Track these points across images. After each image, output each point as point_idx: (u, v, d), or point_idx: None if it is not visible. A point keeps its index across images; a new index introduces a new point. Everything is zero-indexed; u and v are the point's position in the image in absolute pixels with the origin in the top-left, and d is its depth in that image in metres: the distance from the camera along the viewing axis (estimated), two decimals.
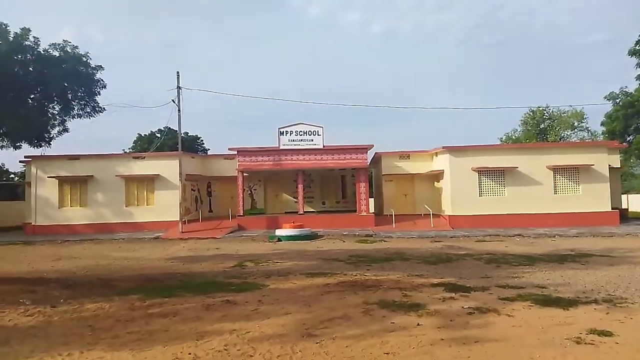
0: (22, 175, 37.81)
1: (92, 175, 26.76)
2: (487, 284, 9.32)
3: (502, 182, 24.81)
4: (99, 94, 26.38)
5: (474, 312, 7.09)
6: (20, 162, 30.41)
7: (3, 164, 45.07)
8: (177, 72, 25.04)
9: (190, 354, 5.44)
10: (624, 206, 30.15)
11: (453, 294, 8.38)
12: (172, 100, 24.95)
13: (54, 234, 25.36)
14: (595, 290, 8.69)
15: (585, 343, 5.58)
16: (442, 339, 5.80)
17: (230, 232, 24.04)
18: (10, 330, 6.57)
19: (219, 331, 6.34)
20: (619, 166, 28.36)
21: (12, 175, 47.75)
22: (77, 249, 19.00)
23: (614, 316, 6.79)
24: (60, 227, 26.09)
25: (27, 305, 8.00)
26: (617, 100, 31.91)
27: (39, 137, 27.76)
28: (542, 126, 48.49)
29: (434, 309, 7.32)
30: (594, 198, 24.21)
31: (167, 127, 30.21)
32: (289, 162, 26.34)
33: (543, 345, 5.52)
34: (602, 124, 33.81)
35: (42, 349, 5.75)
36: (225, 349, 5.58)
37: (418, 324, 6.50)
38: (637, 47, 25.86)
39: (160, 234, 23.98)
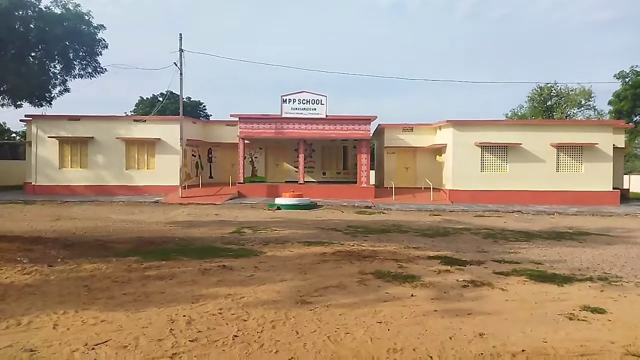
0: (23, 134, 37.68)
1: (92, 137, 26.63)
2: (483, 258, 9.35)
3: (505, 158, 24.67)
4: (101, 54, 25.92)
5: (468, 285, 7.11)
6: (21, 121, 30.19)
7: (4, 123, 44.90)
8: (180, 34, 24.57)
9: (184, 316, 5.47)
10: (625, 187, 30.07)
11: (448, 267, 8.41)
12: (174, 63, 24.57)
13: (54, 194, 25.44)
14: (591, 268, 8.71)
15: (578, 319, 5.60)
16: (435, 310, 5.83)
17: (230, 199, 24.09)
18: (7, 288, 6.61)
19: (214, 295, 6.37)
20: (624, 146, 28.14)
21: (14, 134, 47.64)
22: (76, 210, 19.08)
23: (608, 294, 6.81)
24: (60, 188, 26.15)
25: (24, 264, 8.04)
26: (627, 80, 31.39)
27: (40, 96, 27.50)
28: (548, 103, 47.88)
29: (428, 281, 7.34)
30: (595, 177, 24.12)
31: (169, 91, 29.82)
32: (291, 130, 26.13)
33: (535, 320, 5.54)
34: (610, 103, 33.38)
35: (38, 306, 5.79)
36: (219, 313, 5.62)
37: (412, 295, 6.53)
38: None
39: (160, 198, 24.03)
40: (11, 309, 5.70)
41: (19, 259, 8.40)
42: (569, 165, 24.49)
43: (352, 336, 4.92)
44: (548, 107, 47.82)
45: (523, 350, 4.56)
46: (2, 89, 27.08)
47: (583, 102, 47.05)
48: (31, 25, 24.58)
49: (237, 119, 26.44)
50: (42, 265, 7.94)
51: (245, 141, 26.92)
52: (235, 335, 4.87)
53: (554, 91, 47.59)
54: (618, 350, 4.63)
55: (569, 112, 47.43)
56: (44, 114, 27.71)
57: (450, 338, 4.89)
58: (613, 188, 24.48)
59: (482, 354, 4.48)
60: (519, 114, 50.39)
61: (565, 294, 6.77)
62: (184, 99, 26.65)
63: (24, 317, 5.36)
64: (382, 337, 4.91)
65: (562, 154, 24.49)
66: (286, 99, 25.92)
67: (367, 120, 26.24)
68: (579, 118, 46.08)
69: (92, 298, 6.20)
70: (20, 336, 4.79)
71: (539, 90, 47.84)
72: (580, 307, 6.06)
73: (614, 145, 24.71)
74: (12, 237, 10.82)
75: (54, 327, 5.07)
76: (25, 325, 5.12)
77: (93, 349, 4.49)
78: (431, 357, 4.39)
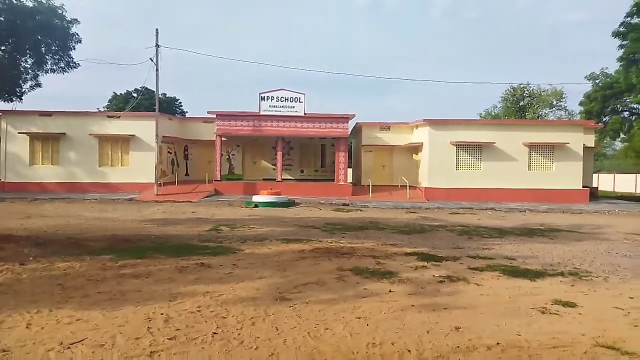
0: None
1: (64, 133, 26.00)
2: (458, 254, 9.52)
3: (479, 157, 25.12)
4: (74, 49, 25.42)
5: (445, 281, 7.24)
6: None
7: None
8: (156, 30, 24.21)
9: (162, 314, 5.41)
10: (594, 185, 31.01)
11: (425, 263, 8.53)
12: (150, 59, 24.20)
13: (24, 191, 24.78)
14: (562, 263, 8.96)
15: (550, 313, 5.76)
16: (413, 305, 5.92)
17: (207, 197, 23.87)
18: None
19: (192, 293, 6.32)
20: (593, 146, 28.97)
21: None
22: (47, 208, 18.60)
23: (579, 288, 7.03)
24: (31, 185, 25.49)
25: None
26: (597, 81, 32.30)
27: (10, 91, 26.78)
28: (521, 103, 48.98)
29: (406, 276, 7.44)
30: (566, 176, 24.79)
31: (144, 86, 29.39)
32: (269, 128, 26.03)
33: (509, 314, 5.68)
34: (581, 103, 34.24)
35: (10, 306, 5.64)
36: (198, 310, 5.58)
37: (390, 291, 6.61)
38: (620, 29, 25.99)
39: (135, 195, 23.64)
40: None
41: None
42: (540, 164, 25.11)
43: (331, 332, 4.95)
44: (521, 107, 48.91)
45: (498, 343, 4.67)
46: None
47: (555, 102, 48.34)
48: (1, 18, 23.80)
49: (215, 116, 26.20)
50: (13, 264, 7.73)
51: (223, 138, 26.70)
52: (215, 333, 4.85)
53: (526, 92, 48.71)
54: (588, 342, 4.78)
55: (541, 112, 48.62)
56: (14, 109, 26.89)
57: (428, 332, 4.98)
58: (583, 186, 25.21)
59: (458, 347, 4.57)
60: (493, 113, 51.40)
61: (538, 289, 6.95)
62: (160, 96, 26.24)
63: None
64: (361, 332, 4.96)
65: (534, 152, 25.08)
66: (264, 97, 25.79)
67: (345, 118, 26.34)
68: (550, 118, 47.27)
69: (66, 297, 6.07)
70: None
71: (512, 90, 48.89)
72: (552, 301, 6.24)
73: (584, 144, 25.44)
74: None
75: (27, 327, 4.95)
76: None
77: (69, 348, 4.40)
78: (409, 351, 4.46)
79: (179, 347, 4.45)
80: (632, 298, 6.51)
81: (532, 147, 24.97)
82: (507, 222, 16.50)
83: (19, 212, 16.48)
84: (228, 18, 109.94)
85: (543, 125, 27.23)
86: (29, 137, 25.95)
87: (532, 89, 48.39)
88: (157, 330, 4.90)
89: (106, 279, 6.99)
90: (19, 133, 25.76)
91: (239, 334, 4.82)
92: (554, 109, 48.80)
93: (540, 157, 25.10)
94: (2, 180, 25.81)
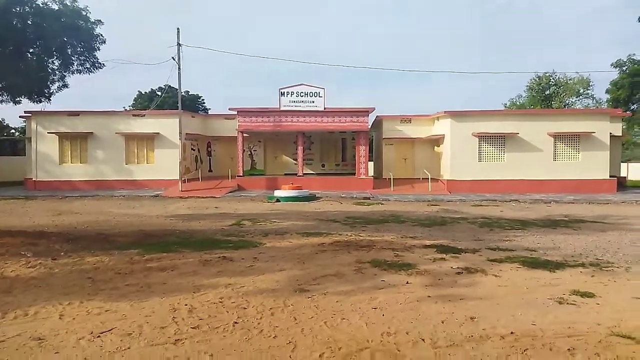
0: (23, 130, 37.76)
1: (92, 132, 26.75)
2: (478, 246, 9.53)
3: (502, 148, 24.81)
4: (99, 50, 25.97)
5: (462, 272, 7.30)
6: (20, 117, 30.28)
7: (3, 119, 44.95)
8: (177, 29, 24.64)
9: (186, 305, 5.66)
10: (623, 174, 30.23)
11: (444, 255, 8.59)
12: (172, 58, 24.64)
13: (54, 189, 25.61)
14: (583, 254, 8.89)
15: (568, 303, 5.78)
16: (429, 296, 6.01)
17: (230, 192, 24.26)
18: (13, 281, 6.79)
19: (215, 285, 6.56)
20: (621, 134, 28.25)
21: (13, 130, 47.70)
22: (77, 205, 19.26)
23: (599, 279, 6.99)
24: (61, 183, 26.32)
25: (28, 258, 8.21)
26: (624, 68, 31.44)
27: (39, 92, 27.56)
28: (547, 92, 47.94)
29: (423, 268, 7.52)
30: (592, 166, 24.26)
31: (167, 85, 29.89)
32: (289, 123, 26.24)
33: (526, 304, 5.72)
34: (607, 91, 33.44)
35: (44, 298, 5.97)
36: (220, 301, 5.80)
37: (407, 282, 6.71)
38: None
39: (160, 192, 24.21)
40: (18, 300, 5.87)
41: (23, 253, 8.58)
42: (566, 154, 24.64)
43: (348, 321, 5.10)
44: (546, 96, 47.88)
45: (512, 333, 4.74)
46: (1, 85, 27.19)
47: (581, 90, 47.11)
48: (29, 22, 24.60)
49: (236, 113, 26.53)
50: (46, 259, 8.11)
51: (244, 134, 27.04)
52: (236, 322, 5.05)
53: (552, 80, 47.64)
54: (603, 331, 4.80)
55: (567, 101, 47.51)
56: (43, 109, 27.78)
57: (443, 322, 5.08)
58: (610, 176, 24.65)
59: (472, 336, 4.66)
60: (518, 103, 50.46)
61: (557, 280, 6.95)
62: (182, 93, 26.73)
63: (31, 308, 5.54)
64: (377, 322, 5.09)
65: (559, 142, 24.62)
66: (284, 92, 25.99)
67: (365, 112, 26.33)
68: (577, 107, 46.16)
69: (96, 289, 6.38)
70: (28, 326, 4.97)
71: (537, 79, 47.88)
72: (570, 291, 6.24)
73: (610, 133, 24.83)
74: (15, 232, 10.99)
75: (60, 317, 5.25)
76: (33, 316, 5.30)
77: (99, 336, 4.67)
78: (423, 340, 4.57)
79: (202, 336, 4.67)
80: None
81: (557, 136, 24.51)
82: (531, 213, 16.32)
83: (50, 210, 17.12)
84: (247, 13, 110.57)
85: (568, 115, 26.66)
86: (58, 137, 26.80)
87: (558, 78, 47.34)
88: (182, 319, 5.13)
89: (134, 272, 7.29)
90: (48, 133, 26.62)
91: (258, 324, 5.02)
92: (580, 97, 47.62)
93: (565, 147, 24.63)
94: (33, 179, 26.75)
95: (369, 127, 27.36)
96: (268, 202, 20.49)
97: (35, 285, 6.56)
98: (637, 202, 20.54)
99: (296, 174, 27.21)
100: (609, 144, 24.41)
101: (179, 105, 25.29)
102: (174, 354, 4.25)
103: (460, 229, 12.35)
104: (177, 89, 25.93)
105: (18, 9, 23.88)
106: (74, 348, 4.39)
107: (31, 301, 5.83)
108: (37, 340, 4.58)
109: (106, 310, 5.47)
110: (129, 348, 4.38)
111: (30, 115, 27.07)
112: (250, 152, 30.14)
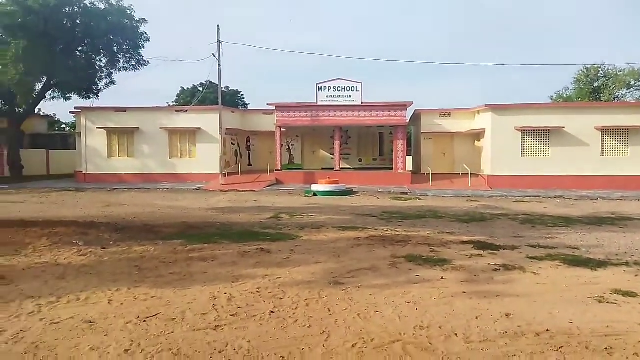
0: (73, 125, 39.61)
1: (138, 127, 27.79)
2: (517, 243, 9.37)
3: (547, 142, 24.08)
4: (143, 47, 27.02)
5: (500, 269, 7.22)
6: (70, 112, 31.84)
7: (55, 114, 47.29)
8: (218, 26, 25.20)
9: (225, 293, 5.89)
10: None
11: (481, 252, 8.50)
12: (213, 55, 25.23)
13: (103, 182, 26.81)
14: (628, 253, 8.59)
15: (608, 302, 5.65)
16: (464, 292, 6.00)
17: (268, 186, 24.67)
18: (66, 268, 7.24)
19: (253, 275, 6.78)
20: None
21: (64, 125, 50.11)
22: (124, 197, 20.10)
23: None
24: (109, 176, 27.51)
25: (80, 246, 8.71)
26: None
27: (88, 89, 28.99)
28: (595, 85, 45.94)
29: (459, 264, 7.50)
30: None
31: (208, 81, 30.59)
32: (327, 118, 26.37)
33: (564, 302, 5.63)
34: None
35: (94, 284, 6.35)
36: (257, 291, 6.01)
37: (442, 278, 6.71)
38: None
39: (202, 185, 24.91)
40: (70, 286, 6.28)
41: (75, 242, 9.09)
42: (614, 149, 23.66)
43: (381, 314, 5.19)
44: (595, 88, 45.88)
45: (547, 330, 4.70)
46: (52, 82, 28.57)
47: (632, 82, 44.85)
48: (77, 21, 25.71)
49: (274, 108, 26.91)
50: (96, 248, 8.58)
51: (282, 129, 27.38)
52: (272, 311, 5.24)
53: (601, 72, 45.59)
54: None
55: (617, 94, 45.37)
56: (91, 105, 29.08)
57: (477, 318, 5.08)
58: None
59: (506, 332, 4.65)
60: (565, 96, 48.61)
61: (598, 278, 6.77)
62: (222, 89, 27.32)
63: (82, 294, 5.91)
64: (410, 315, 5.15)
65: (607, 137, 23.66)
66: (321, 87, 26.12)
67: (403, 106, 26.12)
68: (628, 99, 44.04)
69: (142, 277, 6.73)
70: (80, 310, 5.33)
71: (585, 71, 45.94)
72: (612, 290, 6.08)
73: None
74: (67, 222, 11.63)
75: (109, 302, 5.59)
76: (84, 301, 5.66)
77: (144, 321, 4.95)
78: (456, 334, 4.60)
79: (240, 323, 4.88)
80: None
81: (605, 131, 23.55)
82: (576, 210, 15.81)
83: (100, 202, 17.97)
84: (283, 7, 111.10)
85: (616, 108, 25.55)
86: (106, 132, 27.99)
87: (608, 69, 45.25)
88: (221, 307, 5.37)
89: (177, 262, 7.62)
90: (97, 128, 27.84)
91: (294, 313, 5.18)
92: (632, 89, 45.35)
93: (614, 142, 23.64)
94: (83, 172, 28.08)
95: (407, 121, 27.13)
96: (305, 196, 20.72)
97: (86, 272, 6.98)
98: None
99: (333, 168, 27.34)
100: None
101: (219, 100, 25.90)
102: (214, 338, 4.47)
103: (500, 226, 12.14)
104: (217, 85, 26.54)
105: (68, 9, 24.97)
106: (121, 331, 4.68)
107: (82, 287, 6.22)
108: (88, 323, 4.90)
109: (152, 297, 5.77)
110: (172, 332, 4.63)
111: (79, 111, 28.39)
112: (288, 146, 30.48)
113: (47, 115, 41.69)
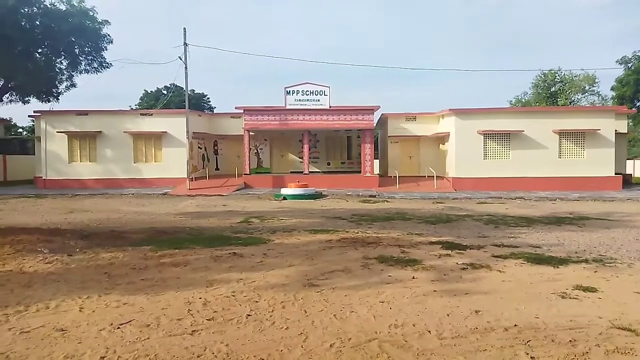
0: (31, 129, 38.20)
1: (100, 131, 27.06)
2: (483, 243, 9.69)
3: (507, 146, 24.91)
4: (106, 50, 26.27)
5: (467, 268, 7.47)
6: (29, 116, 30.68)
7: (11, 118, 45.39)
8: (184, 28, 24.97)
9: (200, 298, 5.87)
10: (628, 172, 30.25)
11: (449, 252, 8.76)
12: (179, 57, 24.89)
13: (64, 188, 25.94)
14: (587, 250, 9.04)
15: (570, 297, 5.94)
16: (435, 291, 6.19)
17: (237, 190, 24.50)
18: (32, 276, 7.02)
19: (227, 280, 6.77)
20: (626, 132, 28.26)
21: (20, 130, 48.21)
22: (88, 203, 19.54)
23: (601, 274, 7.14)
24: (71, 182, 26.66)
25: (45, 254, 8.43)
26: (629, 65, 31.41)
27: (47, 92, 27.93)
28: (552, 89, 47.89)
29: (429, 264, 7.70)
30: (598, 163, 24.33)
31: (173, 84, 30.26)
32: (295, 122, 26.44)
33: (529, 299, 5.89)
34: (612, 88, 33.42)
35: (64, 292, 6.20)
36: (232, 295, 6.01)
37: (413, 277, 6.89)
38: None
39: (168, 190, 24.49)
40: (38, 294, 6.10)
41: (39, 249, 8.80)
42: (571, 151, 24.71)
43: (356, 314, 5.30)
44: (552, 93, 47.83)
45: (515, 325, 4.92)
46: (10, 85, 27.45)
47: (587, 87, 47.02)
48: (37, 22, 24.82)
49: (242, 111, 26.76)
50: (62, 255, 8.34)
51: (250, 133, 27.26)
52: (249, 315, 5.26)
53: (557, 77, 47.58)
54: (605, 324, 4.97)
55: (573, 98, 47.43)
56: (51, 109, 28.13)
57: (448, 315, 5.26)
58: (615, 173, 24.69)
59: (476, 328, 4.84)
60: (523, 100, 50.43)
61: (560, 275, 7.11)
62: (189, 92, 26.98)
63: (52, 302, 5.76)
64: (385, 314, 5.28)
65: (564, 140, 24.69)
66: (290, 91, 26.18)
67: (371, 110, 26.49)
68: (583, 104, 46.08)
69: (112, 284, 6.60)
70: (51, 318, 5.20)
71: (542, 76, 47.85)
72: (573, 286, 6.40)
73: (616, 131, 24.87)
74: (31, 229, 11.24)
75: (80, 310, 5.47)
76: (54, 309, 5.52)
77: (118, 327, 4.88)
78: (429, 331, 4.76)
79: (217, 327, 4.88)
80: None
81: (563, 134, 24.59)
82: (536, 210, 16.44)
83: (62, 208, 17.41)
84: (250, 11, 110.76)
85: (573, 112, 26.66)
86: (67, 136, 27.13)
87: (564, 74, 47.28)
88: (197, 312, 5.35)
89: (148, 268, 7.51)
90: (57, 132, 26.95)
91: (270, 316, 5.22)
92: (586, 94, 47.54)
93: (571, 145, 24.70)
94: (43, 178, 27.11)
95: (374, 125, 27.51)
96: (275, 200, 20.71)
97: (54, 280, 6.79)
98: None
99: (302, 172, 27.41)
100: (614, 141, 24.46)
101: (186, 104, 25.56)
102: (191, 343, 4.46)
103: (466, 226, 12.51)
104: (183, 88, 26.21)
105: (27, 9, 23.99)
106: (95, 338, 4.60)
107: (51, 295, 6.06)
108: (60, 331, 4.80)
109: (124, 304, 5.68)
110: (148, 338, 4.59)
111: (39, 114, 27.42)
112: (257, 150, 30.36)
113: (4, 119, 40.01)
